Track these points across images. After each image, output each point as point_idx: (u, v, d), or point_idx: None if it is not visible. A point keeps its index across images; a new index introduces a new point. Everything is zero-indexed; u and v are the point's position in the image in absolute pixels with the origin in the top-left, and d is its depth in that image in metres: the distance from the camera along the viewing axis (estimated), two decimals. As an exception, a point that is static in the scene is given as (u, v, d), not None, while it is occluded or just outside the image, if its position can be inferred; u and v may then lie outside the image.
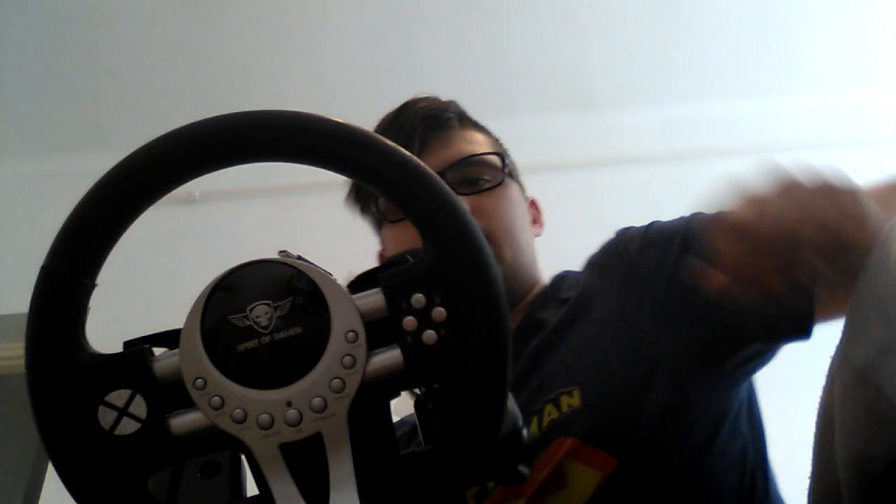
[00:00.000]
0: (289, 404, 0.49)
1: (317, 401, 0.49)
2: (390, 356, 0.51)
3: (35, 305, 0.53)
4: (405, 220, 0.81)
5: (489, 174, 1.00)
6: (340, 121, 0.53)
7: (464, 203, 0.55)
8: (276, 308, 0.50)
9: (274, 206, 2.52)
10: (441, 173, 0.83)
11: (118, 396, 0.50)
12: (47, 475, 2.48)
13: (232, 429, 0.49)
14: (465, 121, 1.06)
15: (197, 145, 0.51)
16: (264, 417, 0.49)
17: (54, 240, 0.51)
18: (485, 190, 0.98)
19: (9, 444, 3.64)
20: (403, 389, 0.55)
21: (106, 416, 0.49)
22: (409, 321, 0.51)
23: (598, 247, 0.99)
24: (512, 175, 1.04)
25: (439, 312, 0.51)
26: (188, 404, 0.50)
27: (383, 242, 1.07)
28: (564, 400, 0.85)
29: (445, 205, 0.53)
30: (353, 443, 0.49)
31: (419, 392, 0.64)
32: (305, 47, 2.48)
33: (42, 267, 0.52)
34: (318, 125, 0.52)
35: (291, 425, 0.49)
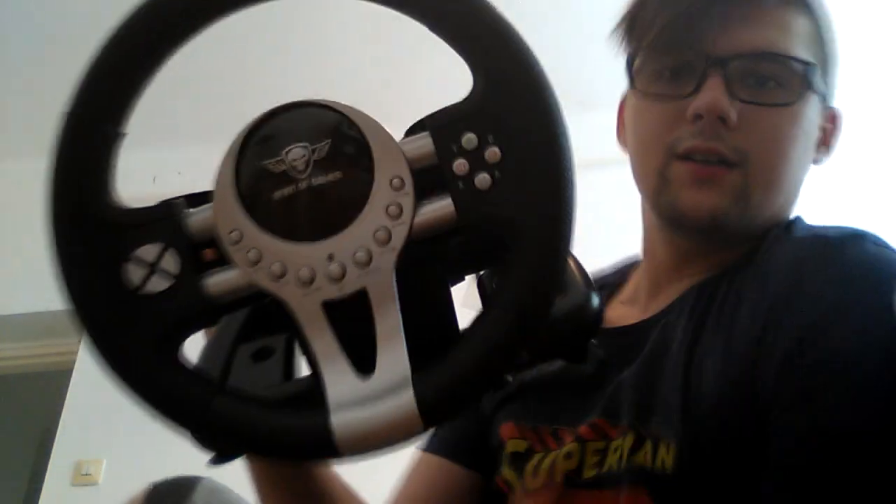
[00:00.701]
0: (330, 258, 0.44)
1: (360, 254, 0.44)
2: (441, 206, 0.45)
3: (56, 154, 0.46)
4: None
5: (784, 84, 0.74)
6: None
7: (527, 43, 0.46)
8: (313, 151, 0.45)
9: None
10: (723, 61, 0.72)
11: (148, 251, 0.45)
12: (47, 475, 2.47)
13: (270, 286, 0.44)
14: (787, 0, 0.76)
15: None
16: (304, 272, 0.44)
17: (77, 83, 0.46)
18: (766, 104, 0.73)
19: (9, 444, 3.64)
20: (455, 242, 0.49)
21: (134, 273, 0.44)
22: (460, 164, 0.45)
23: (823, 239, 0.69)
24: (813, 87, 0.75)
25: (493, 153, 0.45)
26: (223, 264, 0.46)
27: None
28: (662, 450, 0.66)
29: (496, 29, 0.46)
30: (402, 304, 0.44)
31: (482, 275, 0.58)
32: (309, 45, 2.48)
33: (64, 113, 0.47)
34: None
35: (334, 281, 0.44)
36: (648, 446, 0.67)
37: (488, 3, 0.46)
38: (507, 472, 0.77)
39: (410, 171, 0.45)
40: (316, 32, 2.48)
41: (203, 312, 0.45)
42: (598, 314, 0.55)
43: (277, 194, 0.45)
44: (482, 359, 0.44)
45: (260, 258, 0.44)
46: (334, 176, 0.45)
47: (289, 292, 0.44)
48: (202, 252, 0.46)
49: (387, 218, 0.44)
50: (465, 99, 0.46)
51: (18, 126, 2.66)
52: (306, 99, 0.47)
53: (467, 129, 0.45)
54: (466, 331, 0.45)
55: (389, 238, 0.44)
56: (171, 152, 2.60)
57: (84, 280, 0.45)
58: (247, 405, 0.45)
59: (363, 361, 0.44)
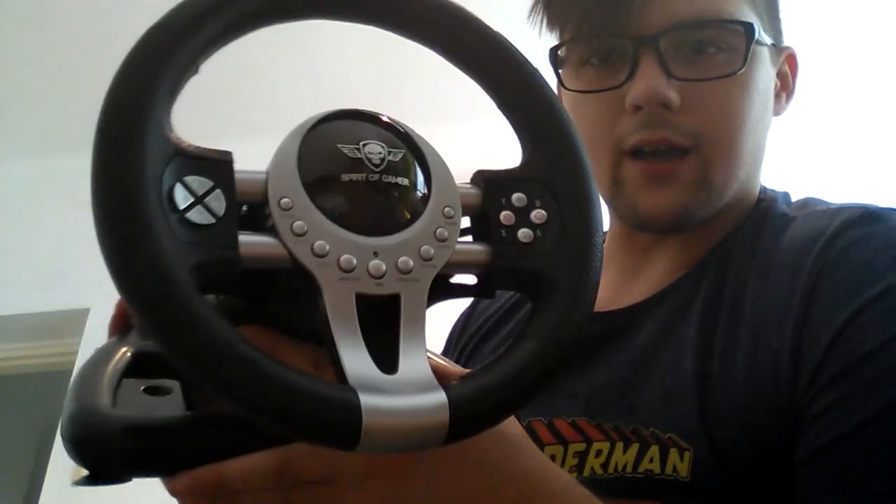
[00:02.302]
0: (375, 254, 0.44)
1: (404, 260, 0.44)
2: (479, 248, 0.47)
3: (132, 53, 0.45)
4: (609, 92, 0.66)
5: (726, 48, 0.67)
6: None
7: (568, 113, 0.50)
8: (390, 152, 0.46)
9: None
10: (653, 39, 0.65)
11: (197, 183, 0.43)
12: (47, 475, 2.47)
13: (310, 261, 0.43)
14: None
15: None
16: (347, 259, 0.43)
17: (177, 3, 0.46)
18: (709, 79, 0.67)
19: (9, 444, 3.64)
20: (485, 285, 0.50)
21: (180, 197, 0.42)
22: (507, 215, 0.48)
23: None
24: (760, 43, 0.69)
25: (539, 214, 0.48)
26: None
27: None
28: (672, 457, 0.61)
29: (553, 113, 0.50)
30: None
31: None
32: (307, 46, 2.48)
33: (156, 23, 0.46)
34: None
35: (374, 277, 0.43)
36: (655, 452, 0.62)
37: (543, 81, 0.51)
38: None
39: (462, 206, 0.47)
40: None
41: (227, 265, 0.43)
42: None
43: (345, 177, 0.45)
44: (516, 377, 0.44)
45: (305, 232, 0.43)
46: (402, 180, 0.46)
47: (326, 274, 0.43)
48: (253, 210, 0.45)
49: (433, 238, 0.46)
50: (519, 166, 0.50)
51: (18, 126, 2.66)
52: (387, 115, 0.49)
53: (519, 190, 0.49)
54: (496, 356, 0.46)
55: (432, 256, 0.45)
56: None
57: (131, 179, 0.41)
58: (275, 363, 0.41)
59: (384, 363, 0.43)
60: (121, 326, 0.57)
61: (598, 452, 0.65)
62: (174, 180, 0.43)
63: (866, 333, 0.58)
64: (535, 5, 0.75)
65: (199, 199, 0.43)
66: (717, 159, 0.68)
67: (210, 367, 0.40)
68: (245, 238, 0.43)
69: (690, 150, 0.67)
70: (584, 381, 0.69)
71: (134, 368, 0.54)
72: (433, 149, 0.48)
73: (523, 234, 0.47)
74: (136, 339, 0.55)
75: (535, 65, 0.51)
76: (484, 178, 0.49)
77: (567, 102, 0.74)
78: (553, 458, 0.67)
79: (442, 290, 0.49)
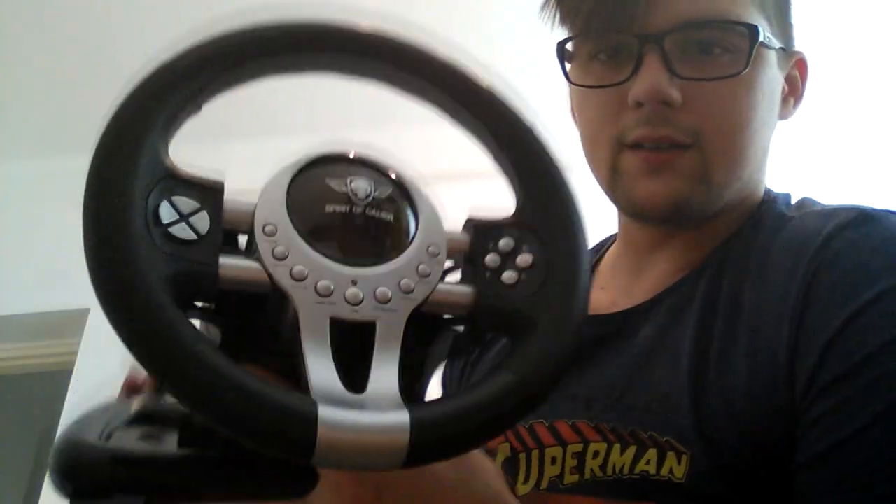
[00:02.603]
0: (354, 283, 0.45)
1: (382, 290, 0.46)
2: (463, 289, 0.49)
3: (138, 81, 0.47)
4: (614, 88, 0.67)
5: (731, 50, 0.67)
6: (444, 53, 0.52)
7: (561, 158, 0.51)
8: (375, 189, 0.48)
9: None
10: (657, 37, 0.66)
11: (184, 203, 0.45)
12: (47, 475, 2.47)
13: (288, 283, 0.44)
14: None
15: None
16: (325, 284, 0.45)
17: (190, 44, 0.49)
18: (711, 79, 0.67)
19: (9, 444, 3.64)
20: (466, 326, 0.52)
21: (165, 213, 0.44)
22: (493, 259, 0.50)
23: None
24: (766, 46, 0.69)
25: (525, 259, 0.49)
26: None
27: (576, 105, 0.78)
28: (669, 460, 0.61)
29: (545, 162, 0.51)
30: (402, 355, 0.46)
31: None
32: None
33: (167, 60, 0.48)
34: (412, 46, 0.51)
35: (350, 303, 0.45)
36: (652, 454, 0.62)
37: (537, 130, 0.52)
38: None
39: (448, 247, 0.49)
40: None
41: (204, 280, 0.44)
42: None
43: (329, 208, 0.47)
44: (485, 408, 0.45)
45: (286, 256, 0.45)
46: (387, 216, 0.48)
47: (302, 296, 0.44)
48: (236, 233, 0.47)
49: (415, 273, 0.47)
50: (511, 214, 0.51)
51: (18, 126, 2.66)
52: (380, 157, 0.51)
53: (507, 235, 0.51)
54: (470, 385, 0.47)
55: (412, 290, 0.47)
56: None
57: (119, 190, 0.43)
58: (235, 367, 0.42)
59: (353, 386, 0.44)
60: (129, 391, 0.57)
61: (596, 454, 0.65)
62: (161, 198, 0.44)
63: (865, 336, 0.57)
64: (547, 0, 0.75)
65: (183, 217, 0.44)
66: (717, 157, 0.68)
67: (169, 368, 0.41)
68: (226, 259, 0.45)
69: (692, 145, 0.67)
70: (585, 384, 0.69)
71: (132, 422, 0.54)
72: (427, 196, 0.50)
73: (508, 276, 0.49)
74: (143, 400, 0.55)
75: (529, 117, 0.52)
76: (473, 224, 0.51)
77: (574, 97, 0.76)
78: (553, 459, 0.68)
79: (431, 329, 0.50)
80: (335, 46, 0.51)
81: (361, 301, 0.45)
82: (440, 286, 0.48)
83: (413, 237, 0.48)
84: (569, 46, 0.73)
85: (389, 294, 0.46)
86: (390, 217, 0.48)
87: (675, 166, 0.67)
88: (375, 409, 0.43)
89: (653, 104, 0.66)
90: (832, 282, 0.60)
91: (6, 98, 2.62)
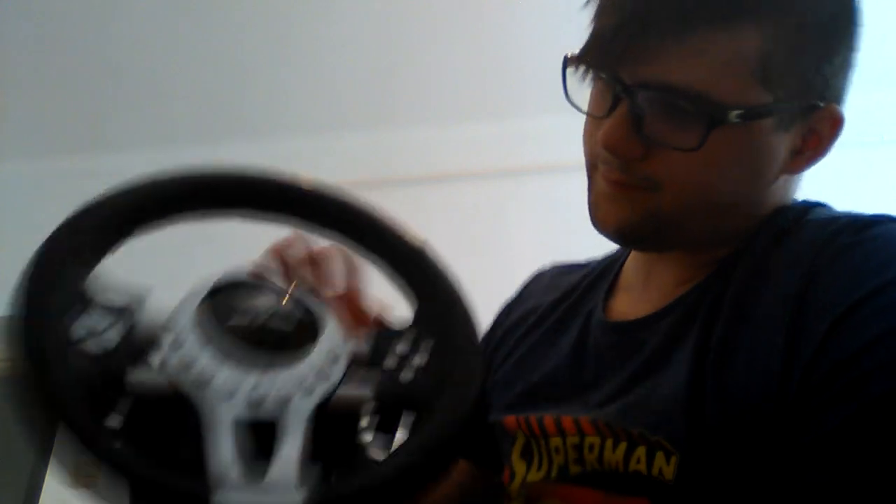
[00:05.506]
0: (256, 387, 0.52)
1: (283, 392, 0.52)
2: (362, 389, 0.57)
3: (73, 213, 0.59)
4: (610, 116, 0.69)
5: (690, 124, 0.65)
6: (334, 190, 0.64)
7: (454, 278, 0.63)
8: (279, 307, 0.57)
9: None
10: (630, 91, 0.66)
11: (98, 320, 0.53)
12: (47, 475, 2.47)
13: (192, 389, 0.51)
14: (726, 16, 0.65)
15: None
16: (227, 387, 0.51)
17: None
18: (669, 146, 0.66)
19: (9, 444, 3.64)
20: (368, 415, 0.58)
21: (80, 328, 0.53)
22: (391, 362, 0.59)
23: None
24: (749, 118, 0.66)
25: (421, 359, 0.59)
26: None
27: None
28: (659, 459, 0.64)
29: (437, 282, 0.63)
30: (311, 447, 0.53)
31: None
32: (305, 47, 2.48)
33: (88, 205, 0.59)
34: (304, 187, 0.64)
35: (251, 405, 0.51)
36: (642, 452, 0.65)
37: (428, 255, 0.64)
38: (517, 463, 0.77)
39: (348, 355, 0.57)
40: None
41: (114, 388, 0.51)
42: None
43: (234, 321, 0.55)
44: (378, 486, 0.51)
45: (190, 365, 0.52)
46: (288, 328, 0.56)
47: (205, 399, 0.51)
48: (146, 346, 0.54)
49: (315, 376, 0.54)
50: (411, 321, 0.62)
51: (18, 126, 2.66)
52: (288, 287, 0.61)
53: (405, 341, 0.61)
54: (373, 464, 0.55)
55: (312, 391, 0.54)
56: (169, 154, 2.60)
57: (38, 311, 0.52)
58: (140, 456, 0.50)
59: (254, 472, 0.50)
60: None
61: (591, 447, 0.69)
62: (76, 319, 0.53)
63: (862, 327, 0.59)
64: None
65: (94, 333, 0.52)
66: (675, 204, 0.69)
67: (86, 440, 0.51)
68: (134, 369, 0.52)
69: (650, 189, 0.69)
70: (594, 388, 0.74)
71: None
72: (330, 316, 0.59)
73: (404, 376, 0.58)
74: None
75: (417, 241, 0.64)
76: (375, 334, 0.61)
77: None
78: (557, 449, 0.73)
79: (341, 422, 0.57)
80: (244, 199, 0.64)
81: (263, 402, 0.51)
82: (342, 388, 0.55)
83: (314, 345, 0.55)
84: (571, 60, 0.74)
85: (291, 394, 0.52)
86: (290, 329, 0.56)
87: (632, 199, 0.70)
88: (271, 492, 0.49)
89: (613, 154, 0.69)
90: (824, 287, 0.61)
91: (6, 98, 2.62)
